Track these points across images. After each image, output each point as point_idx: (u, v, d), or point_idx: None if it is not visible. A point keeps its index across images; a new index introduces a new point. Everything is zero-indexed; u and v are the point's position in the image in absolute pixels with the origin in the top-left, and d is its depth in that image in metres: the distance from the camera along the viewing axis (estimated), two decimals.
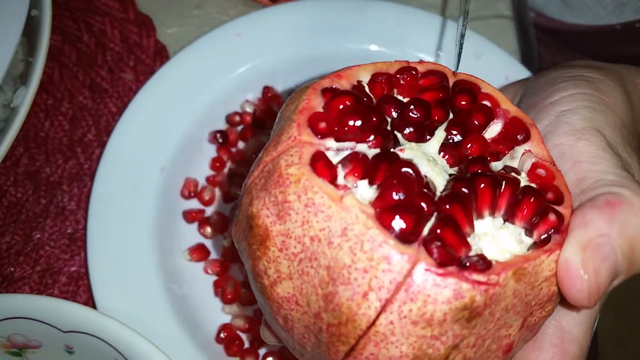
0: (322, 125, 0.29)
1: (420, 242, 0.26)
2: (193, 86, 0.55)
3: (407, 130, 0.31)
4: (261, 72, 0.57)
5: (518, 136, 0.32)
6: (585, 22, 0.72)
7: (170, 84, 0.54)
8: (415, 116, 0.31)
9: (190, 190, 0.54)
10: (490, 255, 0.28)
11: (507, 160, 0.32)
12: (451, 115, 0.32)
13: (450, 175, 0.30)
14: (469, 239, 0.28)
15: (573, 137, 0.32)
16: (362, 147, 0.29)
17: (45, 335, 0.45)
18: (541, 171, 0.31)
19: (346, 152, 0.28)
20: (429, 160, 0.30)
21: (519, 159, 0.32)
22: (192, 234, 0.53)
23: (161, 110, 0.53)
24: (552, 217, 0.29)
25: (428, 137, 0.31)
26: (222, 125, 0.56)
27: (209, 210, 0.54)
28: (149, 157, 0.52)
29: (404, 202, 0.26)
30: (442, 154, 0.31)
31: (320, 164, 0.27)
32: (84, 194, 0.55)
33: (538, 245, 0.29)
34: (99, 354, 0.44)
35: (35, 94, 0.50)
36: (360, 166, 0.28)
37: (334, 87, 0.30)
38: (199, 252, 0.52)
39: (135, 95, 0.54)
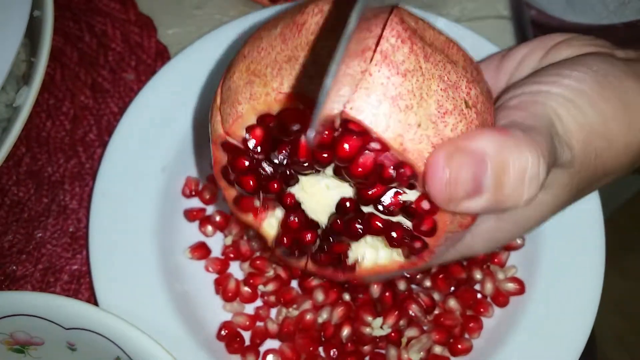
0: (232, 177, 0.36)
1: None
2: (194, 86, 0.55)
3: (301, 170, 0.34)
4: None
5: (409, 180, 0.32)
6: (586, 22, 0.72)
7: (171, 84, 0.55)
8: (303, 164, 0.33)
9: (192, 189, 0.54)
10: None
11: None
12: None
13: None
14: None
15: (529, 97, 0.33)
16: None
17: (48, 332, 0.45)
18: (425, 204, 0.32)
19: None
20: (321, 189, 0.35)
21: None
22: (193, 233, 0.53)
23: (162, 110, 0.54)
24: (417, 244, 0.34)
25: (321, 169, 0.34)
26: None
27: (210, 209, 0.54)
28: (151, 157, 0.53)
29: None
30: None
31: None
32: (86, 193, 0.55)
33: None
34: (101, 350, 0.44)
35: (37, 94, 0.51)
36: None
37: (228, 142, 0.35)
38: (200, 251, 0.52)
39: (136, 95, 0.54)
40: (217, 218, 0.53)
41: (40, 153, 0.56)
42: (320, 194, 0.35)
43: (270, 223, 0.38)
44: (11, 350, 0.46)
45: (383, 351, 0.49)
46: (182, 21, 0.63)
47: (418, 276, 0.51)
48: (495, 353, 0.48)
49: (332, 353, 0.49)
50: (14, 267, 0.53)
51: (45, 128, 0.57)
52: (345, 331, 0.49)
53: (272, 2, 0.63)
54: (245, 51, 0.35)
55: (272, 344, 0.51)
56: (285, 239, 0.36)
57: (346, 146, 0.30)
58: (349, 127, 0.30)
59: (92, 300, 0.51)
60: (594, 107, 0.33)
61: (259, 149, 0.33)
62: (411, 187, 0.32)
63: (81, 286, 0.53)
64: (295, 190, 0.35)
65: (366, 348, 0.49)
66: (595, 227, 0.51)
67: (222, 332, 0.50)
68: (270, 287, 0.51)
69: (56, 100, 0.58)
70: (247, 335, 0.51)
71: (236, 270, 0.53)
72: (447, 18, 0.59)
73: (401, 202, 0.33)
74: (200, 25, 0.62)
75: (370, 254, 0.37)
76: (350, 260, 0.37)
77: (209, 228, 0.53)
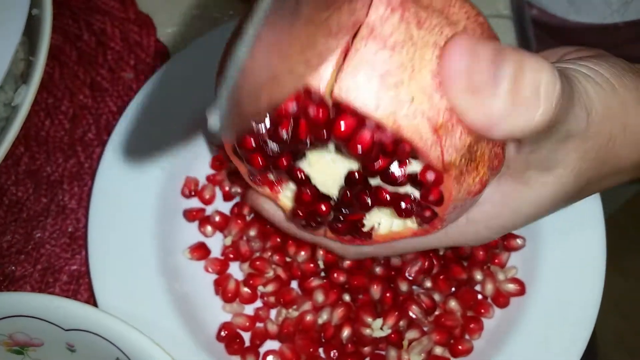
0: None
1: None
2: (193, 85, 0.55)
3: (303, 147, 0.34)
4: None
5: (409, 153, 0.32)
6: (588, 21, 0.72)
7: (170, 83, 0.54)
8: (304, 142, 0.32)
9: (191, 189, 0.54)
10: None
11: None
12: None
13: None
14: None
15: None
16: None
17: (47, 334, 0.45)
18: (430, 175, 0.31)
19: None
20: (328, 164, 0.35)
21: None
22: (192, 233, 0.53)
23: (161, 110, 0.54)
24: (426, 214, 0.34)
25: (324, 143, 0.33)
26: None
27: (210, 209, 0.54)
28: (150, 156, 0.52)
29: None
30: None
31: None
32: (85, 193, 0.55)
33: None
34: (101, 351, 0.44)
35: (36, 93, 0.50)
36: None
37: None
38: (199, 251, 0.52)
39: (135, 94, 0.54)
40: (217, 218, 0.53)
41: (39, 152, 0.56)
42: (328, 168, 0.35)
43: (287, 195, 0.38)
44: (10, 351, 0.46)
45: (383, 352, 0.49)
46: (182, 20, 0.62)
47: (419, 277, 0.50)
48: (496, 354, 0.48)
49: (332, 354, 0.49)
50: (13, 268, 0.53)
51: (44, 127, 0.57)
52: (346, 332, 0.49)
53: None
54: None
55: (272, 344, 0.50)
56: (300, 211, 0.37)
57: (342, 126, 0.29)
58: (341, 107, 0.29)
59: (92, 300, 0.51)
60: (614, 89, 0.32)
61: (261, 130, 0.33)
62: (414, 157, 0.32)
63: (80, 287, 0.53)
64: (303, 165, 0.35)
65: (366, 349, 0.49)
66: (596, 227, 0.51)
67: (222, 333, 0.50)
68: (270, 287, 0.51)
69: (55, 99, 0.58)
70: (246, 336, 0.51)
71: (236, 270, 0.53)
72: None
73: (407, 173, 0.32)
74: (199, 25, 0.62)
75: (385, 221, 0.37)
76: (366, 228, 0.37)
77: (209, 228, 0.53)
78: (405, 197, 0.34)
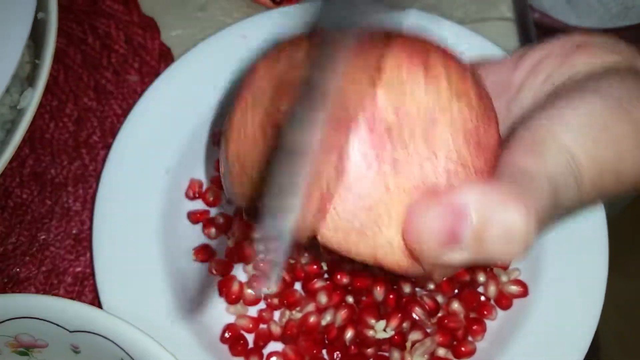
0: None
1: None
2: (198, 88, 0.55)
3: None
4: None
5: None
6: (589, 25, 0.72)
7: (175, 86, 0.55)
8: None
9: (195, 191, 0.54)
10: None
11: None
12: None
13: None
14: None
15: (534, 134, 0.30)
16: None
17: (52, 335, 0.45)
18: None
19: None
20: None
21: None
22: (196, 235, 0.53)
23: (166, 112, 0.54)
24: None
25: None
26: None
27: (214, 211, 0.54)
28: (154, 159, 0.53)
29: None
30: None
31: None
32: (89, 195, 0.55)
33: None
34: (106, 353, 0.45)
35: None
36: None
37: None
38: (203, 253, 0.52)
39: (140, 97, 0.54)
40: (221, 220, 0.53)
41: (43, 155, 0.56)
42: None
43: None
44: (15, 352, 0.46)
45: (387, 354, 0.49)
46: (186, 23, 0.63)
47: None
48: (498, 355, 0.48)
49: (335, 355, 0.49)
50: (18, 269, 0.53)
51: (48, 130, 0.57)
52: (349, 334, 0.49)
53: (276, 4, 0.63)
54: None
55: (275, 346, 0.51)
56: None
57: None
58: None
59: (96, 302, 0.52)
60: (606, 138, 0.31)
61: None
62: None
63: (85, 288, 0.53)
64: None
65: (369, 350, 0.49)
66: (599, 229, 0.51)
67: (226, 335, 0.50)
68: (274, 289, 0.51)
69: (59, 102, 0.58)
70: (250, 337, 0.51)
71: (240, 272, 0.53)
72: (451, 20, 0.59)
73: None
74: (203, 27, 0.62)
75: None
76: None
77: (213, 230, 0.53)
78: None
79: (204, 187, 0.55)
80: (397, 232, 0.28)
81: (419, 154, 0.29)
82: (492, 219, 0.26)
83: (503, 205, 0.26)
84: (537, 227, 0.27)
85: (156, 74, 0.59)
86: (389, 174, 0.28)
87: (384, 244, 0.28)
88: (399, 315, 0.49)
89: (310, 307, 0.50)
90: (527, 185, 0.28)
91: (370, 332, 0.49)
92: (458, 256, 0.27)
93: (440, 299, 0.50)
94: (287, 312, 0.51)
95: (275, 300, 0.51)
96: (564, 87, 0.34)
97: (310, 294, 0.51)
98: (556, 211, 0.29)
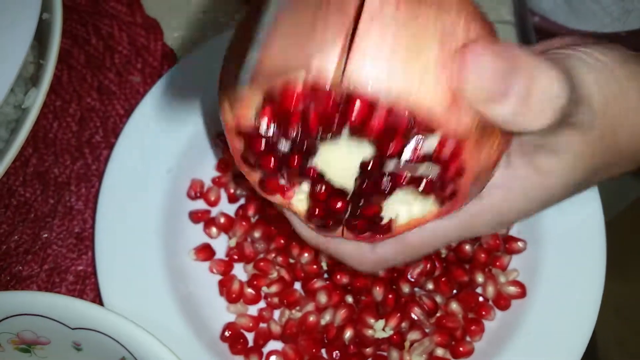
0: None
1: None
2: (200, 89, 0.55)
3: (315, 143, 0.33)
4: None
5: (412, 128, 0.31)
6: (589, 29, 0.73)
7: (177, 87, 0.55)
8: (316, 137, 0.32)
9: (197, 191, 0.55)
10: None
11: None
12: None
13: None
14: None
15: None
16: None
17: (54, 332, 0.45)
18: (449, 146, 0.31)
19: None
20: (342, 155, 0.33)
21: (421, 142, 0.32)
22: (197, 234, 0.54)
23: (168, 113, 0.54)
24: (448, 189, 0.33)
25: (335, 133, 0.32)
26: None
27: (215, 211, 0.55)
28: (156, 159, 0.53)
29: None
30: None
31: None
32: (92, 194, 0.56)
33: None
34: (107, 350, 0.45)
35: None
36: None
37: (240, 129, 0.33)
38: (204, 252, 0.53)
39: (143, 98, 0.55)
40: (222, 220, 0.54)
41: (47, 154, 0.57)
42: (342, 162, 0.34)
43: (299, 199, 0.37)
44: (17, 349, 0.47)
45: (385, 353, 0.50)
46: (189, 24, 0.63)
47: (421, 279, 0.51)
48: (496, 356, 0.49)
49: (334, 355, 0.49)
50: (20, 267, 0.53)
51: (52, 129, 0.58)
52: (348, 333, 0.49)
53: None
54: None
55: (275, 345, 0.51)
56: (316, 210, 0.35)
57: (354, 112, 0.29)
58: (351, 92, 0.29)
59: (97, 301, 0.52)
60: (614, 76, 0.33)
61: (270, 130, 0.32)
62: (430, 132, 0.31)
63: (86, 287, 0.53)
64: (316, 160, 0.34)
65: (368, 350, 0.50)
66: (597, 231, 0.51)
67: (226, 333, 0.50)
68: (274, 288, 0.51)
69: (63, 101, 0.59)
70: (250, 336, 0.51)
71: (240, 272, 0.53)
72: None
73: (423, 153, 0.31)
74: (206, 29, 0.63)
75: (404, 210, 0.36)
76: (385, 220, 0.35)
77: (214, 230, 0.54)
78: (423, 177, 0.33)
79: (205, 187, 0.55)
80: (429, 64, 0.29)
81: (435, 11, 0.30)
82: (537, 83, 0.28)
83: (547, 74, 0.29)
84: (567, 105, 0.29)
85: (159, 74, 0.59)
86: (411, 7, 0.29)
87: (416, 76, 0.29)
88: (398, 315, 0.49)
89: (310, 306, 0.51)
90: (564, 59, 0.31)
91: (369, 332, 0.49)
92: (500, 110, 0.29)
93: (439, 299, 0.51)
94: (287, 312, 0.51)
95: (275, 300, 0.52)
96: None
97: (310, 293, 0.51)
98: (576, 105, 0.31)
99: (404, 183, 0.33)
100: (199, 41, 0.58)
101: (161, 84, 0.55)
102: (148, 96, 0.55)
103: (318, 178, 0.35)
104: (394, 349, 0.49)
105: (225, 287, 0.52)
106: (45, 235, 0.54)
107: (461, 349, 0.49)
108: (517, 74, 0.28)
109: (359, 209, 0.35)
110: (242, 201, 0.55)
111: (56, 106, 0.58)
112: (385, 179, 0.33)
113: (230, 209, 0.55)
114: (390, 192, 0.34)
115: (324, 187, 0.34)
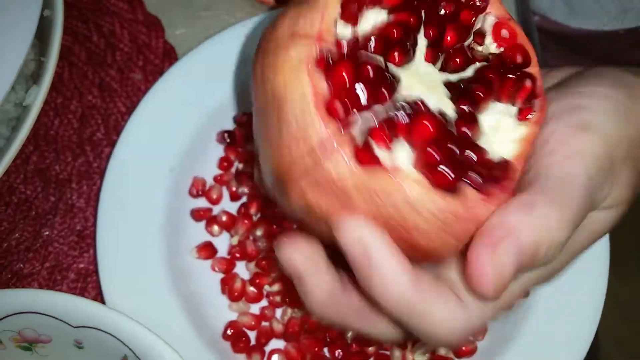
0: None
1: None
2: (201, 87, 0.55)
3: (394, 56, 0.31)
4: None
5: (476, 1, 0.33)
6: (589, 27, 0.73)
7: (179, 85, 0.55)
8: (395, 35, 0.31)
9: (199, 189, 0.54)
10: None
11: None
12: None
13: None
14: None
15: (567, 131, 0.31)
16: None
17: (55, 330, 0.45)
18: (505, 32, 0.32)
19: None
20: (423, 83, 0.31)
21: (481, 23, 0.33)
22: (199, 232, 0.54)
23: (170, 110, 0.54)
24: (527, 83, 0.32)
25: (411, 52, 0.31)
26: (230, 126, 0.57)
27: (217, 209, 0.55)
28: (158, 157, 0.53)
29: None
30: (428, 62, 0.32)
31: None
32: (93, 192, 0.56)
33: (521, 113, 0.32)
34: (109, 348, 0.45)
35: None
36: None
37: (322, 56, 0.29)
38: (206, 250, 0.53)
39: (144, 95, 0.54)
40: (224, 218, 0.53)
41: (48, 151, 0.57)
42: (424, 84, 0.31)
43: (401, 160, 0.29)
44: (19, 347, 0.47)
45: (388, 352, 0.50)
46: (190, 22, 0.63)
47: None
48: (499, 355, 0.49)
49: (337, 354, 0.49)
50: (21, 265, 0.53)
51: (53, 126, 0.58)
52: (350, 332, 0.49)
53: (279, 4, 0.63)
54: None
55: (277, 343, 0.51)
56: (437, 154, 0.28)
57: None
58: None
59: (99, 299, 0.52)
60: (630, 117, 0.33)
61: (371, 42, 0.30)
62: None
63: (88, 285, 0.53)
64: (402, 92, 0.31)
65: (371, 349, 0.50)
66: None
67: (228, 332, 0.50)
68: (276, 287, 0.51)
69: (64, 98, 0.58)
70: (252, 335, 0.51)
71: (242, 270, 0.53)
72: None
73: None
74: (207, 26, 0.62)
75: (506, 137, 0.32)
76: (497, 157, 0.31)
77: (215, 228, 0.54)
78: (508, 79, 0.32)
79: (208, 185, 0.55)
80: None
81: None
82: (540, 243, 0.29)
83: (547, 229, 0.29)
84: (572, 231, 0.30)
85: (160, 72, 0.59)
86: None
87: None
88: None
89: None
90: (564, 198, 0.30)
91: None
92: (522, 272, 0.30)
93: None
94: (289, 310, 0.51)
95: (278, 298, 0.51)
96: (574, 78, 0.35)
97: None
98: (592, 209, 0.32)
99: (492, 82, 0.32)
100: (201, 38, 0.58)
101: (163, 82, 0.55)
102: (149, 94, 0.54)
103: (420, 107, 0.29)
104: (397, 348, 0.49)
105: (227, 285, 0.52)
106: (47, 232, 0.54)
107: (464, 347, 0.49)
108: (521, 250, 0.29)
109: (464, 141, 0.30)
110: (244, 199, 0.55)
111: (57, 103, 0.58)
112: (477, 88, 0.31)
113: (232, 207, 0.55)
114: (486, 98, 0.31)
115: (429, 120, 0.29)
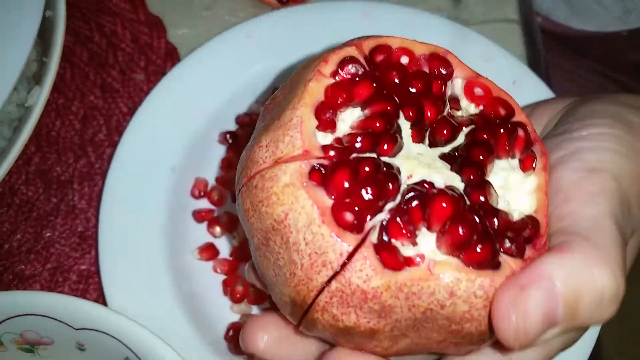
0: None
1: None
2: (203, 87, 0.55)
3: (383, 148, 0.30)
4: (270, 74, 0.57)
5: (442, 70, 0.32)
6: (591, 29, 0.73)
7: (181, 85, 0.55)
8: (379, 127, 0.30)
9: (200, 190, 0.54)
10: None
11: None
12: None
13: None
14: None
15: (578, 175, 0.30)
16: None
17: (57, 332, 0.45)
18: (478, 90, 0.32)
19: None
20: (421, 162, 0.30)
21: (452, 89, 0.33)
22: (201, 234, 0.54)
23: (172, 111, 0.54)
24: (520, 132, 0.31)
25: (399, 138, 0.31)
26: (232, 126, 0.57)
27: (219, 210, 0.54)
28: (160, 157, 0.53)
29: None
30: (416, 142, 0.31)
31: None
32: (95, 193, 0.55)
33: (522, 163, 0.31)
34: (110, 351, 0.45)
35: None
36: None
37: (315, 171, 0.29)
38: (208, 252, 0.53)
39: (146, 96, 0.54)
40: (226, 219, 0.53)
41: (49, 152, 0.57)
42: (426, 165, 0.30)
43: (429, 250, 0.29)
44: (21, 349, 0.47)
45: None
46: (192, 22, 0.63)
47: None
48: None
49: None
50: (23, 267, 0.53)
51: (54, 127, 0.57)
52: None
53: (282, 4, 0.63)
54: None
55: None
56: (468, 230, 0.27)
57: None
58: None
59: (100, 300, 0.52)
60: (631, 152, 0.32)
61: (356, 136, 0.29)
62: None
63: (89, 286, 0.53)
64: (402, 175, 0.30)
65: None
66: None
67: (230, 333, 0.50)
68: None
69: (66, 99, 0.58)
70: None
71: (244, 271, 0.53)
72: (456, 21, 0.59)
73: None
74: (209, 27, 0.62)
75: (520, 192, 0.31)
76: (516, 217, 0.30)
77: (217, 229, 0.53)
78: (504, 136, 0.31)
79: (209, 186, 0.55)
80: None
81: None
82: (581, 290, 0.26)
83: (588, 272, 0.26)
84: (624, 282, 0.27)
85: (162, 72, 0.59)
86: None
87: None
88: None
89: None
90: (599, 243, 0.27)
91: None
92: (554, 332, 0.27)
93: None
94: None
95: None
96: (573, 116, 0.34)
97: None
98: (626, 244, 0.29)
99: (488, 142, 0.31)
100: (203, 39, 0.58)
101: (165, 82, 0.55)
102: (151, 94, 0.54)
103: (429, 189, 0.29)
104: None
105: (229, 286, 0.52)
106: (48, 234, 0.54)
107: None
108: (555, 304, 0.27)
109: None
110: None
111: (59, 104, 0.58)
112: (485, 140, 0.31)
113: (234, 208, 0.55)
114: (488, 160, 0.31)
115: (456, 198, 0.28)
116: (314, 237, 0.27)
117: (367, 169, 0.28)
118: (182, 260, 0.52)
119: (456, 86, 0.33)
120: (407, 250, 0.28)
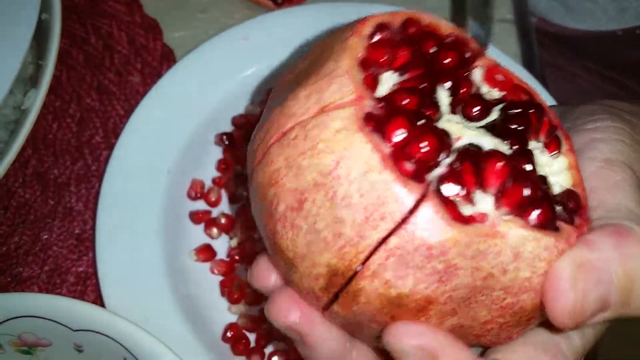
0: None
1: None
2: (200, 89, 0.55)
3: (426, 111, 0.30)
4: (266, 75, 0.57)
5: (466, 53, 0.31)
6: (586, 28, 0.73)
7: (177, 87, 0.55)
8: (423, 90, 0.29)
9: (197, 191, 0.54)
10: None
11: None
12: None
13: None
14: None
15: (598, 165, 0.31)
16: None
17: (55, 334, 0.45)
18: (499, 76, 0.31)
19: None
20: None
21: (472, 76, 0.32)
22: (198, 235, 0.54)
23: (168, 113, 0.54)
24: (545, 116, 0.30)
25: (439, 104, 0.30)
26: (228, 128, 0.57)
27: (215, 211, 0.55)
28: (157, 159, 0.53)
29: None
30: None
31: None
32: (92, 195, 0.56)
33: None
34: (108, 352, 0.45)
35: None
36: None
37: (370, 117, 0.27)
38: (205, 253, 0.53)
39: (142, 98, 0.54)
40: (223, 220, 0.53)
41: (46, 155, 0.57)
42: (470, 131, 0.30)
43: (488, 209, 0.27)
44: (19, 351, 0.47)
45: None
46: (188, 24, 0.63)
47: None
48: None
49: None
50: (21, 269, 0.53)
51: (51, 130, 0.57)
52: None
53: (277, 5, 0.63)
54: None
55: (277, 345, 0.51)
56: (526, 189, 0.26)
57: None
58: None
59: (98, 302, 0.52)
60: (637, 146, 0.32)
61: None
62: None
63: (87, 288, 0.53)
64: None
65: None
66: None
67: (228, 334, 0.50)
68: None
69: (62, 102, 0.58)
70: (252, 337, 0.51)
71: (241, 272, 0.53)
72: (455, 21, 0.60)
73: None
74: (205, 28, 0.62)
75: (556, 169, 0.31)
76: (558, 189, 0.30)
77: (214, 230, 0.54)
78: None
79: (206, 187, 0.55)
80: None
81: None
82: (636, 277, 0.27)
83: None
84: None
85: (158, 74, 0.59)
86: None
87: None
88: None
89: None
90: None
91: None
92: (602, 317, 0.27)
93: None
94: None
95: None
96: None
97: None
98: None
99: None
100: (199, 41, 0.58)
101: (161, 84, 0.55)
102: (148, 96, 0.54)
103: (481, 150, 0.28)
104: None
105: (226, 287, 0.52)
106: (46, 236, 0.54)
107: None
108: (611, 287, 0.27)
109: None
110: (243, 201, 0.55)
111: (56, 107, 0.58)
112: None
113: (231, 209, 0.55)
114: (529, 134, 0.30)
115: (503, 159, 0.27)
116: (371, 187, 0.25)
117: (424, 121, 0.26)
118: (180, 261, 0.52)
119: (477, 73, 0.32)
120: (466, 209, 0.26)
